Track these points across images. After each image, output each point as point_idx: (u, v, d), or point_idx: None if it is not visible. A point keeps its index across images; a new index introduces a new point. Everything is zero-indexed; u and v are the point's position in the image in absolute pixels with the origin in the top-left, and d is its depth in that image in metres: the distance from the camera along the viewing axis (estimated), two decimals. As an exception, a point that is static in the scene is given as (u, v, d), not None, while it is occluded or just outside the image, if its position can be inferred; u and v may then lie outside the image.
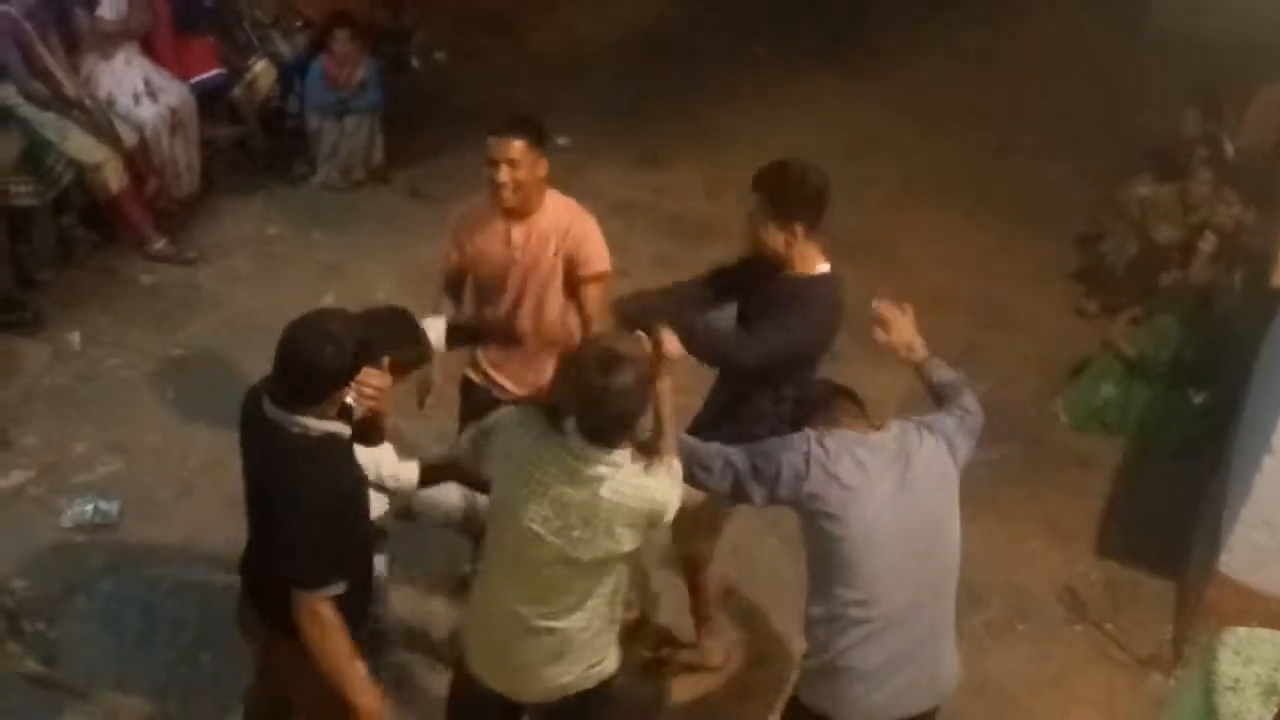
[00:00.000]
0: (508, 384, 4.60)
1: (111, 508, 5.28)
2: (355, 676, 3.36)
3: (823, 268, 4.02)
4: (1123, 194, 7.26)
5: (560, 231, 4.40)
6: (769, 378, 4.01)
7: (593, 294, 4.51)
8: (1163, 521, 5.68)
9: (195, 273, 6.99)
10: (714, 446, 3.54)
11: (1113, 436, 6.32)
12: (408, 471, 3.83)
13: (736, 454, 3.50)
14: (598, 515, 3.22)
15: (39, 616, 4.82)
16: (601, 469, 3.20)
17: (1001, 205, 8.16)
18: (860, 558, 3.39)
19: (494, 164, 4.22)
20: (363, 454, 3.73)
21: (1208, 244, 6.76)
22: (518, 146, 4.20)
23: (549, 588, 3.33)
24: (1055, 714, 4.84)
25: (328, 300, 6.72)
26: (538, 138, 4.26)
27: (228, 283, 6.92)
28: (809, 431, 3.48)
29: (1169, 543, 5.56)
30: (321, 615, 3.27)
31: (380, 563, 4.04)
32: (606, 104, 8.96)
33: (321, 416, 3.26)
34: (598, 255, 4.48)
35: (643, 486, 3.24)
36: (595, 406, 3.14)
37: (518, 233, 4.37)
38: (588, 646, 3.44)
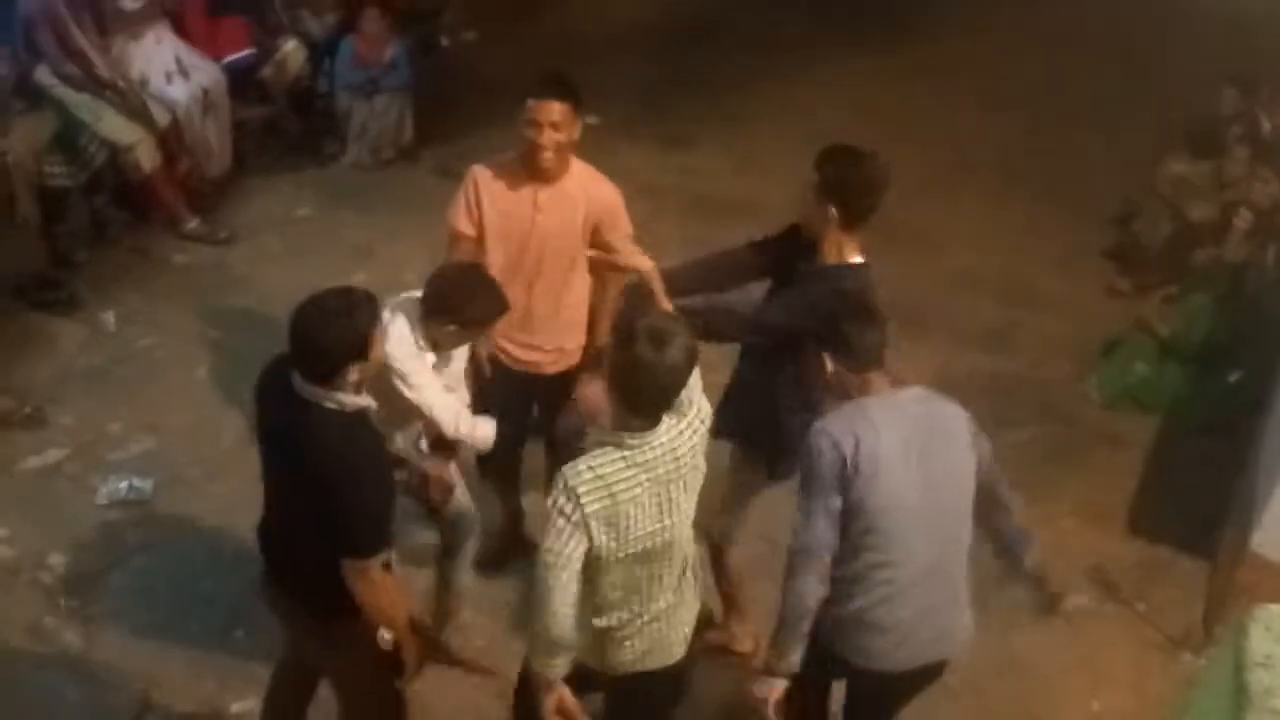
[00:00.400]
0: (535, 356, 4.58)
1: (146, 485, 5.34)
2: (408, 626, 3.52)
3: (855, 259, 3.94)
4: (1157, 172, 7.22)
5: (588, 197, 4.36)
6: (774, 357, 4.01)
7: (628, 246, 4.34)
8: (1194, 501, 5.65)
9: (226, 253, 7.04)
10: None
11: (1145, 416, 6.29)
12: (484, 427, 3.95)
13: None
14: (680, 472, 3.25)
15: (75, 593, 4.88)
16: (666, 433, 3.20)
17: (1032, 185, 8.11)
18: (885, 524, 3.41)
19: (536, 125, 4.16)
20: (444, 409, 3.85)
21: (1244, 221, 6.70)
22: (561, 108, 4.16)
23: (676, 563, 3.39)
24: (1085, 693, 4.82)
25: (358, 280, 6.69)
26: (576, 100, 4.22)
27: (258, 263, 6.96)
28: (820, 434, 3.41)
29: (1200, 522, 5.52)
30: (378, 580, 3.36)
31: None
32: (635, 84, 8.95)
33: (350, 391, 3.30)
34: (621, 220, 4.45)
35: (692, 427, 3.29)
36: (647, 380, 3.10)
37: (545, 196, 4.31)
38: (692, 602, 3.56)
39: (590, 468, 3.14)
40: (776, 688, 3.57)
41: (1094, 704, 4.79)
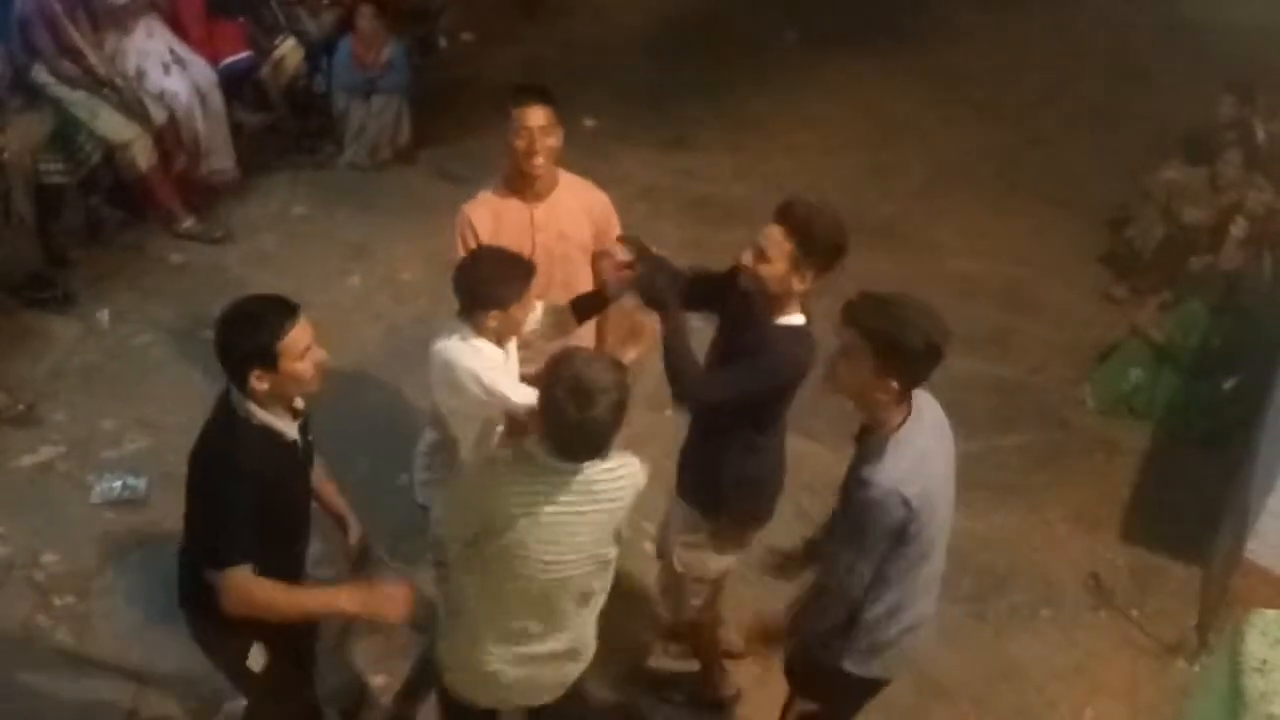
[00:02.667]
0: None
1: (139, 483, 5.33)
2: (318, 597, 3.47)
3: (798, 319, 3.79)
4: (1151, 177, 7.23)
5: (587, 205, 4.41)
6: (730, 417, 3.91)
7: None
8: (1189, 508, 5.66)
9: (222, 252, 7.03)
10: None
11: (1140, 422, 6.29)
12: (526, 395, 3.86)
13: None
14: (599, 519, 3.24)
15: (68, 590, 4.88)
16: (585, 476, 3.19)
17: (1031, 191, 8.12)
18: (935, 543, 3.45)
19: (525, 132, 4.18)
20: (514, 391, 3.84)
21: (1239, 229, 6.71)
22: (545, 112, 4.20)
23: (566, 608, 3.35)
24: (1079, 700, 4.83)
25: (353, 280, 6.76)
26: (556, 106, 4.25)
27: (254, 262, 6.95)
28: (890, 493, 3.26)
29: (1195, 529, 5.53)
30: (239, 583, 3.26)
31: None
32: (634, 87, 8.95)
33: (258, 403, 3.28)
34: (615, 222, 4.50)
35: (620, 474, 3.27)
36: (570, 434, 3.10)
37: (541, 213, 4.32)
38: (590, 643, 3.53)
39: (500, 477, 3.20)
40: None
41: (1088, 711, 4.79)
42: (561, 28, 10.01)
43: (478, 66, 9.22)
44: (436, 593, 4.19)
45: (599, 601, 3.47)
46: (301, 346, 3.25)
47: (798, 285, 3.70)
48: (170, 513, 5.22)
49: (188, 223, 7.04)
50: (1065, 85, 9.38)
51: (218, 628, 3.47)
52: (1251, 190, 6.77)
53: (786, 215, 3.70)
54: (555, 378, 3.06)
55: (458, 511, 3.35)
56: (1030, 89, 9.35)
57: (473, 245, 4.27)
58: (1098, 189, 7.95)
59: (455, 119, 8.33)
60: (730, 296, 3.90)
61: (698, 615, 4.38)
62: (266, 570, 3.32)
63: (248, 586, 3.27)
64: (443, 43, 9.28)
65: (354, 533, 3.86)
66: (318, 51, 7.94)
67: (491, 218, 4.31)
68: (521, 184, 4.31)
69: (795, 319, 3.77)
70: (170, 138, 6.96)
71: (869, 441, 3.35)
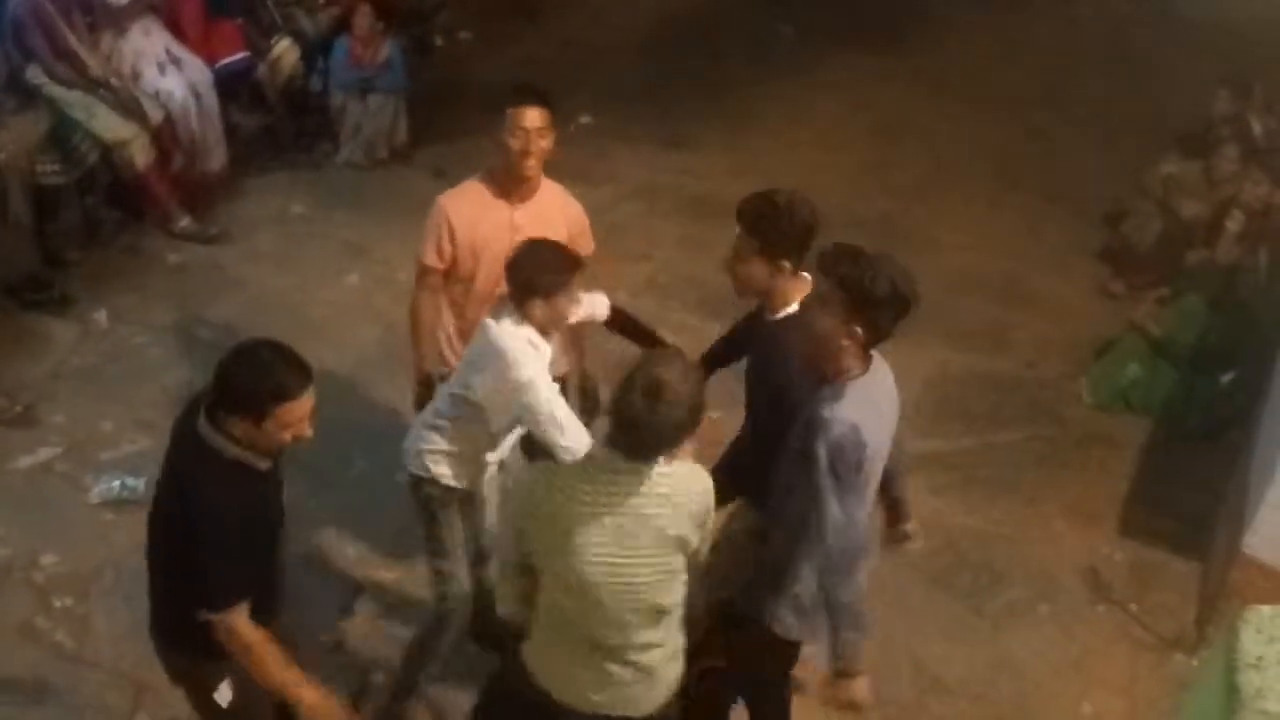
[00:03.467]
0: None
1: (138, 484, 5.32)
2: (289, 677, 3.34)
3: (792, 307, 3.77)
4: (1148, 172, 7.24)
5: (565, 215, 4.41)
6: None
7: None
8: (1187, 502, 5.67)
9: (220, 252, 7.03)
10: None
11: (1137, 417, 6.29)
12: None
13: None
14: (661, 523, 3.17)
15: (67, 592, 4.87)
16: (647, 479, 3.15)
17: (1029, 187, 8.13)
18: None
19: (521, 132, 4.18)
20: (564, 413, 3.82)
21: (1235, 223, 6.73)
22: (541, 114, 4.20)
23: (633, 621, 3.27)
24: (1077, 694, 4.83)
25: (351, 279, 6.76)
26: (551, 108, 4.26)
27: (252, 262, 6.95)
28: (847, 428, 3.30)
29: (1193, 524, 5.54)
30: (236, 629, 3.25)
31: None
32: (630, 85, 8.96)
33: (237, 441, 3.17)
34: (589, 235, 4.52)
35: (684, 479, 3.22)
36: (636, 428, 3.05)
37: (521, 215, 4.30)
38: (665, 676, 3.42)
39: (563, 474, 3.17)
40: (862, 685, 3.52)
41: (1086, 705, 4.79)
42: (558, 26, 10.01)
43: (474, 66, 9.22)
44: (431, 594, 4.22)
45: (674, 625, 3.38)
46: (295, 418, 3.14)
47: (780, 278, 3.72)
48: (169, 513, 5.24)
49: (183, 222, 7.04)
50: (1062, 81, 9.38)
51: (189, 660, 3.45)
52: (1248, 184, 6.79)
53: (741, 215, 3.74)
54: (631, 376, 3.05)
55: (523, 519, 3.30)
56: (1027, 85, 9.35)
57: (445, 240, 4.27)
58: (1095, 184, 7.96)
59: (452, 118, 8.33)
60: (752, 332, 3.94)
61: None
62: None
63: (245, 632, 3.25)
64: (439, 42, 9.29)
65: None
66: (314, 51, 7.95)
67: (471, 213, 4.30)
68: (508, 183, 4.31)
69: (793, 306, 3.77)
70: (166, 137, 6.97)
71: (826, 388, 3.39)
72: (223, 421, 3.16)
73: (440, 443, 4.03)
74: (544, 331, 3.89)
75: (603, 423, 3.31)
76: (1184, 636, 5.06)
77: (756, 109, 8.88)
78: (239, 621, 3.24)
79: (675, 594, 3.29)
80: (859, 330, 3.32)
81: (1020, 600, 5.21)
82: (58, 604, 4.82)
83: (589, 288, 4.40)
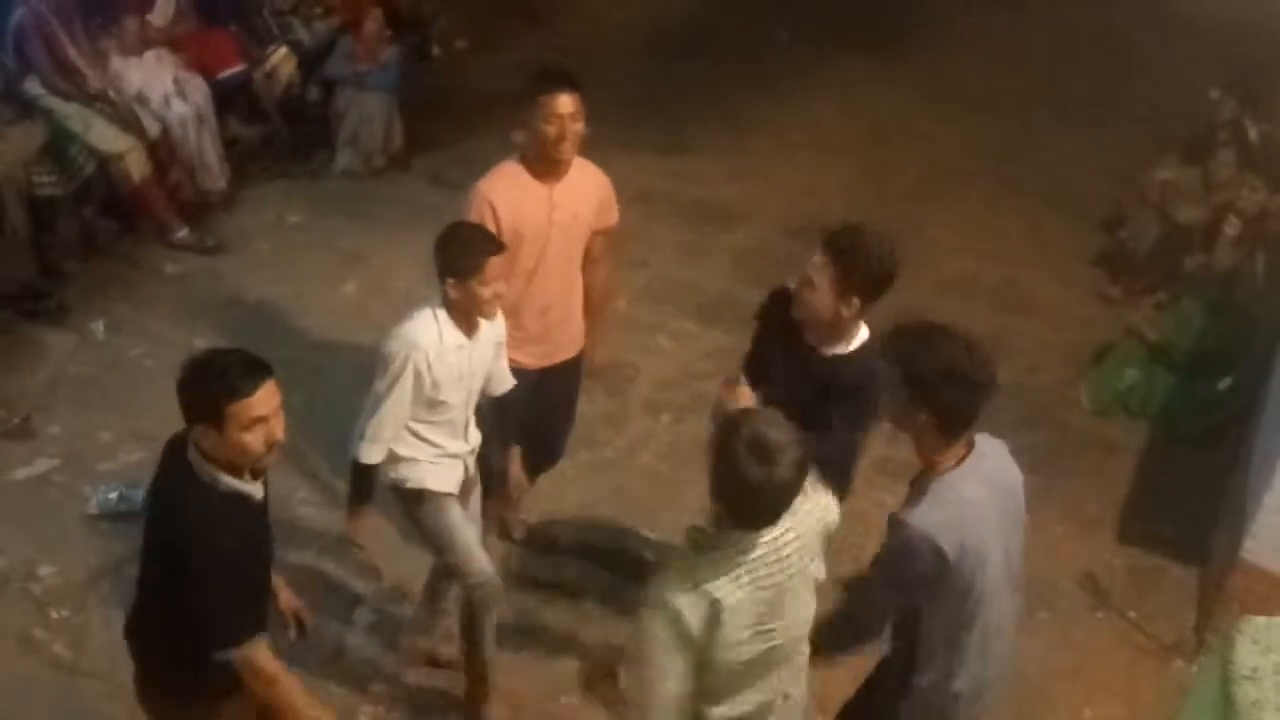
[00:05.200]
0: (549, 348, 4.65)
1: (136, 495, 5.29)
2: (314, 711, 3.32)
3: (862, 336, 3.81)
4: (1145, 177, 7.24)
5: (593, 184, 4.51)
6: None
7: (601, 241, 4.65)
8: (1186, 508, 5.66)
9: (217, 261, 7.03)
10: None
11: (1135, 422, 6.29)
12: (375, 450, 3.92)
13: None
14: (801, 575, 3.04)
15: (65, 603, 4.87)
16: (781, 536, 2.97)
17: (1026, 191, 8.12)
18: (985, 605, 3.30)
19: (556, 119, 4.21)
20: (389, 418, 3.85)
21: (1232, 227, 6.73)
22: (573, 98, 4.24)
23: (791, 666, 3.21)
24: (1077, 701, 4.82)
25: (349, 288, 6.76)
26: (581, 91, 4.30)
27: (249, 271, 6.95)
28: (921, 538, 3.08)
29: (1192, 529, 5.53)
30: (258, 664, 3.19)
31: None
32: (628, 90, 8.93)
33: (216, 462, 3.10)
34: (615, 205, 4.65)
35: (812, 512, 3.08)
36: (754, 496, 2.83)
37: (559, 193, 4.38)
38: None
39: (689, 574, 2.90)
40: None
41: (1086, 711, 4.79)
42: (555, 33, 10.00)
43: (472, 73, 9.21)
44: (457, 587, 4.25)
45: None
46: (251, 416, 3.02)
47: (845, 312, 3.70)
48: (166, 524, 5.24)
49: (180, 233, 7.04)
50: (1059, 85, 9.37)
51: (181, 704, 3.38)
52: (1245, 189, 6.78)
53: (831, 242, 3.69)
54: (731, 441, 2.83)
55: (674, 651, 2.96)
56: (1024, 88, 9.34)
57: (491, 224, 4.25)
58: (1092, 189, 7.95)
59: (449, 126, 8.33)
60: (801, 362, 3.85)
61: None
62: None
63: (267, 665, 3.19)
64: (436, 50, 9.28)
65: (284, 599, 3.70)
66: (311, 60, 7.95)
67: (513, 195, 4.34)
68: (543, 166, 4.35)
69: (858, 339, 3.80)
70: (164, 152, 6.97)
71: (917, 483, 3.23)
72: (199, 442, 3.09)
73: (410, 448, 4.03)
74: (466, 315, 3.87)
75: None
76: (1183, 642, 5.06)
77: (754, 113, 8.87)
78: (260, 654, 3.19)
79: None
80: (921, 416, 3.10)
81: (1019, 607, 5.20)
82: (55, 615, 4.82)
83: (604, 256, 4.64)
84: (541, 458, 5.05)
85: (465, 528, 4.17)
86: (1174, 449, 6.11)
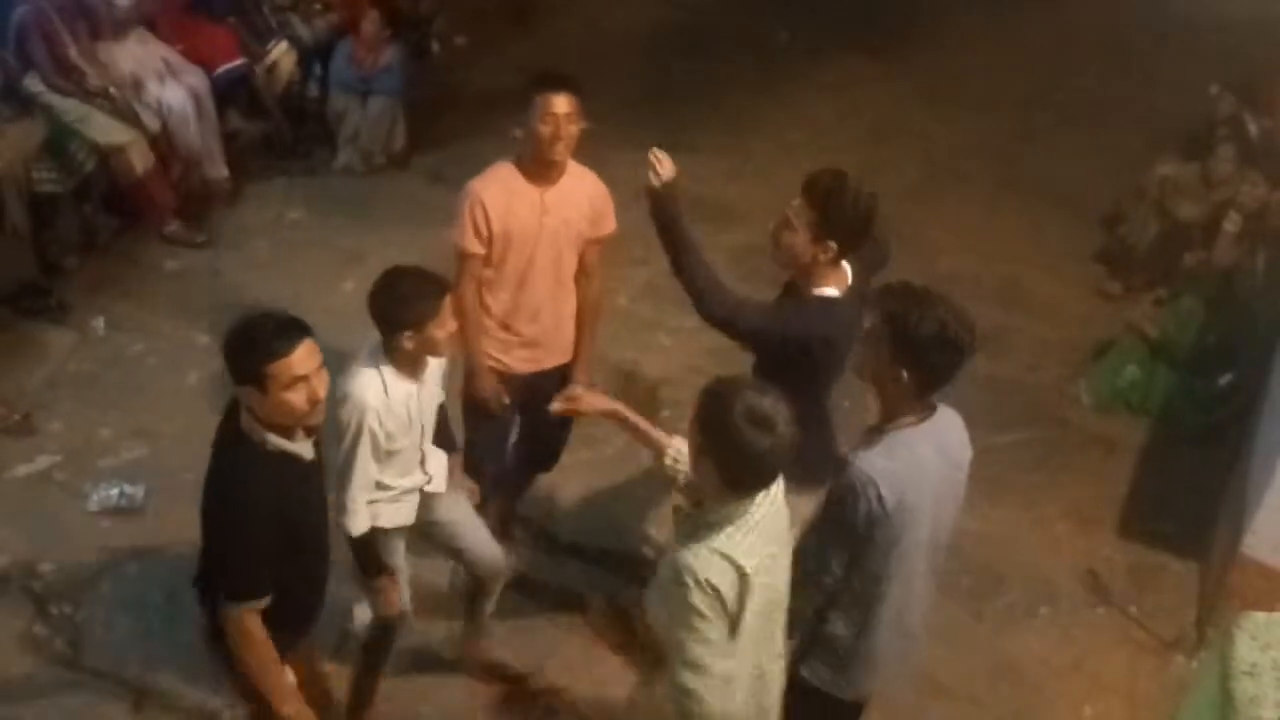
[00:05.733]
0: (540, 354, 4.62)
1: (137, 492, 5.32)
2: (278, 686, 3.38)
3: (830, 291, 3.84)
4: (1145, 174, 7.24)
5: (587, 192, 4.47)
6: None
7: (594, 253, 4.61)
8: (1186, 504, 5.66)
9: (217, 258, 7.03)
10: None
11: (1136, 419, 6.30)
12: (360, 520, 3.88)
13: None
14: (786, 529, 3.17)
15: (65, 600, 4.87)
16: (773, 497, 3.07)
17: (1025, 189, 8.12)
18: (903, 564, 3.38)
19: (553, 119, 4.19)
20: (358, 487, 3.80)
21: (1232, 224, 6.73)
22: (571, 100, 4.22)
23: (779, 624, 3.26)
24: (1078, 697, 4.83)
25: (348, 286, 6.74)
26: (579, 93, 4.29)
27: (249, 268, 6.95)
28: (868, 483, 3.18)
29: (1192, 525, 5.54)
30: (243, 626, 3.26)
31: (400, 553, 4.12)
32: (627, 89, 8.93)
33: (262, 425, 3.19)
34: (611, 215, 4.60)
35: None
36: (756, 463, 2.93)
37: (551, 197, 4.36)
38: None
39: (713, 550, 2.96)
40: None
41: (1087, 708, 4.79)
42: (555, 31, 9.99)
43: (471, 71, 9.20)
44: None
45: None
46: (291, 375, 3.11)
47: (821, 256, 3.77)
48: (168, 521, 5.23)
49: (172, 226, 7.04)
50: (1058, 82, 9.37)
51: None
52: (1245, 186, 6.78)
53: (810, 187, 3.78)
54: (728, 416, 2.89)
55: (716, 622, 3.03)
56: (1023, 86, 9.34)
57: (481, 225, 4.27)
58: (1092, 186, 7.95)
59: (449, 123, 8.33)
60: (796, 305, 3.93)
61: None
62: (290, 595, 3.32)
63: (250, 629, 3.26)
64: (436, 47, 9.27)
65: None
66: (311, 57, 7.94)
67: (505, 197, 4.32)
68: (537, 168, 4.34)
69: (827, 290, 3.83)
70: (165, 146, 6.97)
71: (872, 430, 3.31)
72: (246, 404, 3.19)
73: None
74: (414, 362, 3.81)
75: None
76: (1184, 638, 5.06)
77: (753, 112, 8.87)
78: (248, 617, 3.25)
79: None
80: (904, 374, 3.18)
81: (1020, 603, 5.22)
82: (56, 611, 4.82)
83: (595, 271, 4.62)
84: (540, 461, 5.07)
85: (404, 569, 4.17)
86: (1174, 446, 6.11)
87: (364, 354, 3.83)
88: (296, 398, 3.14)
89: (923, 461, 3.24)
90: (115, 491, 5.31)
